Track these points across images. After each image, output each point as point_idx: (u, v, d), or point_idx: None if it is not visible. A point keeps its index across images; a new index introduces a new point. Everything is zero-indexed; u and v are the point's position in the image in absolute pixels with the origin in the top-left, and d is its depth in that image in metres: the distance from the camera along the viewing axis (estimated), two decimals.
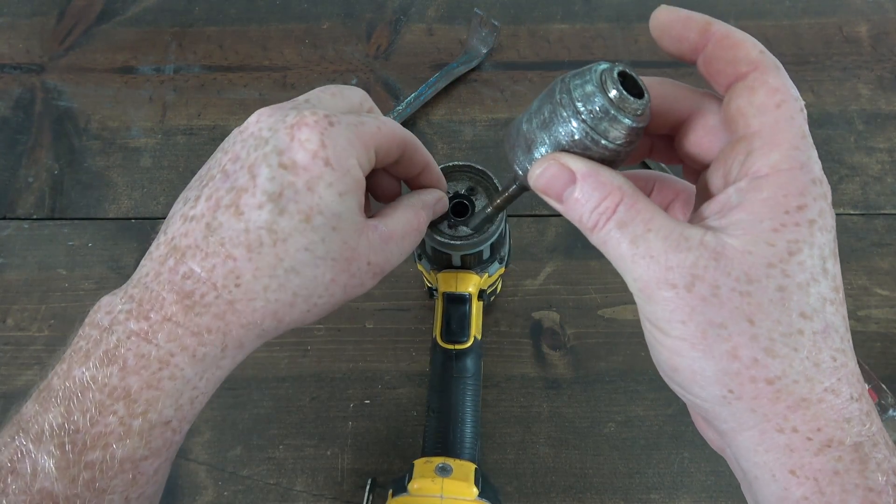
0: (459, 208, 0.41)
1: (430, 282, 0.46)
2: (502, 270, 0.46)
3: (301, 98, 0.30)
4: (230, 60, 0.65)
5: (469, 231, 0.39)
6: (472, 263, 0.43)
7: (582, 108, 0.24)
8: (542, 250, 0.55)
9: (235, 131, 0.30)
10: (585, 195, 0.24)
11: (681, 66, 0.63)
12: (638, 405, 0.50)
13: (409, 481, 0.38)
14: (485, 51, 0.63)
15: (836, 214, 0.56)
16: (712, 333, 0.22)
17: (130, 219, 0.57)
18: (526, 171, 0.26)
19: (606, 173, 0.24)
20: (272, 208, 0.26)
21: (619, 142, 0.24)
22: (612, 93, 0.24)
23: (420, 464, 0.39)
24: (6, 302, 0.54)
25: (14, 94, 0.63)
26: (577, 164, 0.24)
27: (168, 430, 0.26)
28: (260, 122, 0.29)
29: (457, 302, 0.43)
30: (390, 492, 0.39)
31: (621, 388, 0.50)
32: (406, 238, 0.32)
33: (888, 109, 0.61)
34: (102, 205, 0.58)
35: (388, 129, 0.30)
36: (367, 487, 0.46)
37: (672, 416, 0.49)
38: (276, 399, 0.50)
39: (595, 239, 0.24)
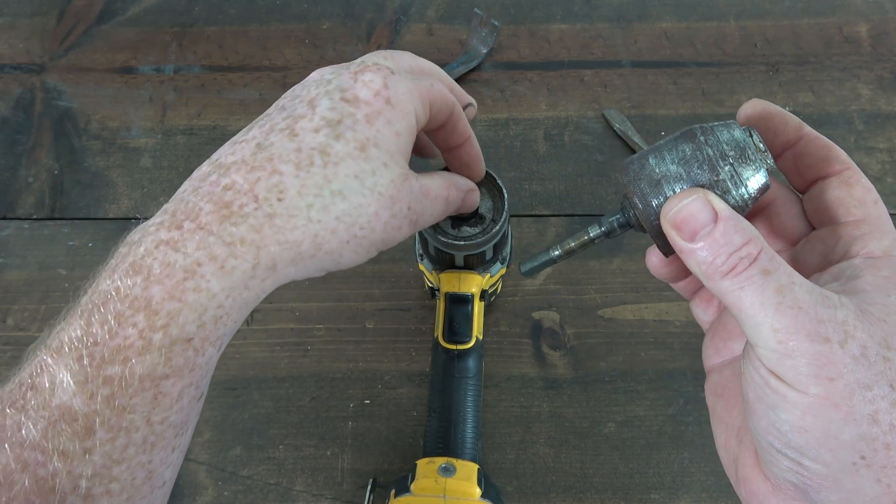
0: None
1: (431, 282, 0.46)
2: (504, 271, 0.46)
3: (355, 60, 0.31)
4: (230, 60, 0.65)
5: (474, 231, 0.39)
6: (475, 264, 0.43)
7: (730, 152, 0.25)
8: (542, 250, 0.55)
9: (295, 85, 0.31)
10: (726, 237, 0.23)
11: (681, 65, 0.63)
12: (638, 405, 0.50)
13: (411, 481, 0.39)
14: (485, 51, 0.63)
15: None
16: (859, 395, 0.21)
17: (130, 219, 0.57)
18: (648, 205, 0.26)
19: (745, 221, 0.24)
20: (329, 132, 0.27)
21: (752, 193, 0.25)
22: (760, 144, 0.25)
23: (423, 464, 0.39)
24: (6, 302, 0.54)
25: (14, 94, 0.63)
26: (721, 205, 0.24)
27: (190, 349, 0.25)
28: (322, 72, 0.30)
29: (459, 302, 0.43)
30: (392, 492, 0.40)
31: (621, 388, 0.50)
32: (437, 202, 0.32)
33: (888, 109, 0.61)
34: (102, 205, 0.58)
35: (440, 88, 0.31)
36: (368, 487, 0.46)
37: (672, 416, 0.50)
38: (276, 399, 0.50)
39: (727, 284, 0.23)
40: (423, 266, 0.45)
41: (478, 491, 0.38)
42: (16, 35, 0.66)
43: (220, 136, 0.60)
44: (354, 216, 0.27)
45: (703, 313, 0.32)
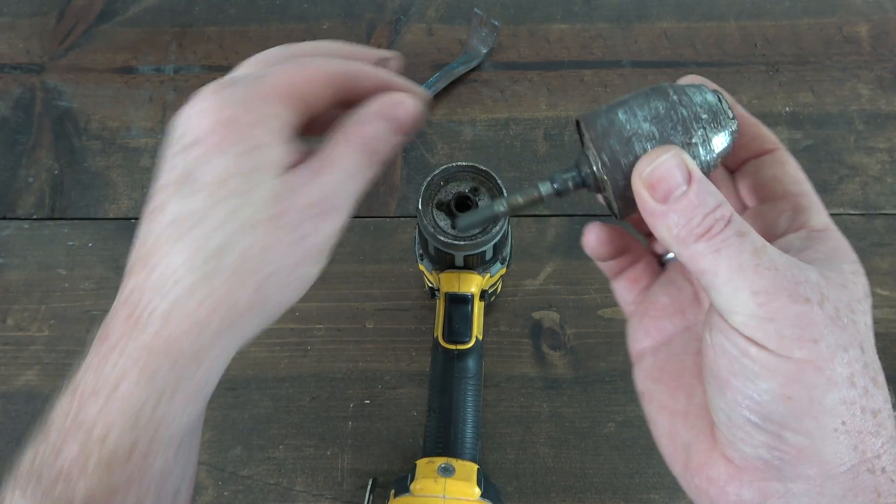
0: (462, 208, 0.41)
1: (431, 282, 0.46)
2: (504, 271, 0.46)
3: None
4: (230, 60, 0.65)
5: (474, 231, 0.39)
6: (475, 264, 0.43)
7: (703, 115, 0.24)
8: (542, 250, 0.55)
9: None
10: (700, 198, 0.22)
11: (680, 66, 0.63)
12: (638, 405, 0.50)
13: (411, 481, 0.39)
14: (485, 51, 0.63)
15: (836, 214, 0.56)
16: (839, 357, 0.21)
17: (130, 219, 0.57)
18: (617, 164, 0.24)
19: (713, 185, 0.23)
20: (185, 192, 0.25)
21: (716, 160, 0.25)
22: (729, 111, 0.25)
23: (422, 464, 0.39)
24: (6, 302, 0.54)
25: (14, 94, 0.63)
26: (694, 166, 0.23)
27: (131, 462, 0.24)
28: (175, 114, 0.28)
29: (459, 302, 0.43)
30: (392, 492, 0.40)
31: (621, 388, 0.50)
32: (347, 160, 0.27)
33: (888, 109, 0.61)
34: (102, 205, 0.58)
35: (309, 67, 0.27)
36: (368, 487, 0.46)
37: None
38: (276, 399, 0.50)
39: (701, 247, 0.22)
40: (423, 266, 0.45)
41: (477, 491, 0.38)
42: (16, 35, 0.66)
43: None
44: (246, 263, 0.25)
45: (627, 293, 0.30)
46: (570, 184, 0.26)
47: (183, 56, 0.65)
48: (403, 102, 0.29)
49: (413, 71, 0.64)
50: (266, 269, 0.25)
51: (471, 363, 0.43)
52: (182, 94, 0.63)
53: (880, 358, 0.56)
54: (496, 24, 0.63)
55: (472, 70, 0.63)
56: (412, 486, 0.38)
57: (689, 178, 0.22)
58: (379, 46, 0.65)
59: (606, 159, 0.24)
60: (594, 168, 0.25)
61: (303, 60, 0.28)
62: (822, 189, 0.57)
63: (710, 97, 0.24)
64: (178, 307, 0.24)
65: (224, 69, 0.64)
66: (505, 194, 0.38)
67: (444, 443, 0.41)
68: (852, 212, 0.57)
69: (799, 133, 0.60)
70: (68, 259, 0.56)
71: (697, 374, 0.26)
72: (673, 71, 0.63)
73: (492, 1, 0.67)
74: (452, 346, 0.43)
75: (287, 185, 0.25)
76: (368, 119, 0.28)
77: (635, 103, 0.24)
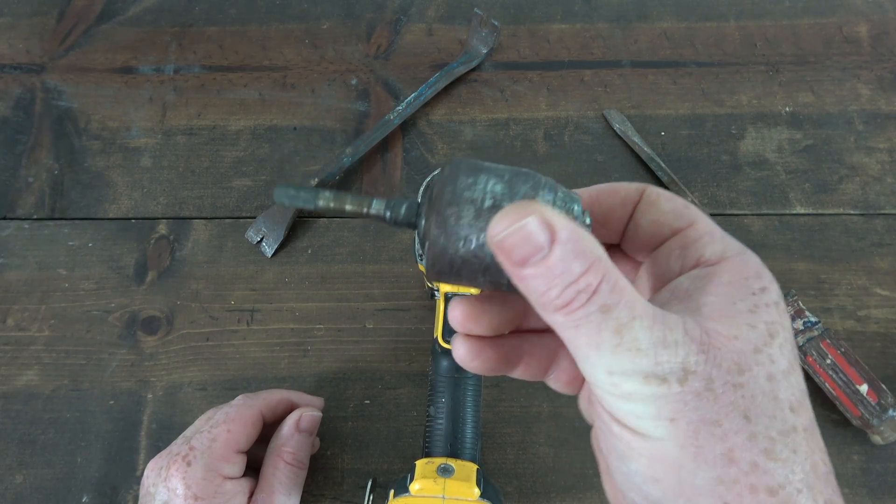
0: None
1: (431, 282, 0.46)
2: None
3: (187, 432, 0.42)
4: (230, 60, 0.65)
5: None
6: None
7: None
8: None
9: (141, 488, 0.40)
10: (564, 264, 0.19)
11: (681, 65, 0.63)
12: None
13: (410, 482, 0.39)
14: (485, 51, 0.63)
15: (836, 214, 0.56)
16: (706, 432, 0.19)
17: (130, 219, 0.57)
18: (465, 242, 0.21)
19: (588, 238, 0.19)
20: None
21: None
22: (587, 220, 0.23)
23: (422, 464, 0.39)
24: (6, 302, 0.54)
25: (14, 94, 0.63)
26: (561, 223, 0.19)
27: None
28: (148, 477, 0.39)
29: None
30: (391, 492, 0.40)
31: None
32: (283, 482, 0.40)
33: (888, 109, 0.61)
34: (102, 205, 0.58)
35: (236, 427, 0.40)
36: (368, 487, 0.46)
37: None
38: None
39: (561, 319, 0.19)
40: (423, 266, 0.45)
41: (477, 491, 0.38)
42: (16, 35, 0.66)
43: (219, 136, 0.60)
44: None
45: (571, 390, 0.26)
46: (402, 218, 0.24)
47: (183, 56, 0.65)
48: (304, 418, 0.43)
49: (413, 71, 0.64)
50: None
51: None
52: (182, 94, 0.63)
53: (880, 358, 0.55)
54: (496, 24, 0.63)
55: (472, 70, 0.63)
56: (411, 487, 0.38)
57: (553, 239, 0.19)
58: (379, 46, 0.65)
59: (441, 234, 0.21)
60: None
61: (237, 410, 0.41)
62: (823, 189, 0.57)
63: (577, 209, 0.22)
64: None
65: (224, 69, 0.65)
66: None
67: (443, 443, 0.41)
68: (852, 212, 0.57)
69: (799, 133, 0.60)
70: (68, 259, 0.56)
71: None
72: (673, 71, 0.63)
73: (492, 1, 0.67)
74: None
75: None
76: (289, 436, 0.42)
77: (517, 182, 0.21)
